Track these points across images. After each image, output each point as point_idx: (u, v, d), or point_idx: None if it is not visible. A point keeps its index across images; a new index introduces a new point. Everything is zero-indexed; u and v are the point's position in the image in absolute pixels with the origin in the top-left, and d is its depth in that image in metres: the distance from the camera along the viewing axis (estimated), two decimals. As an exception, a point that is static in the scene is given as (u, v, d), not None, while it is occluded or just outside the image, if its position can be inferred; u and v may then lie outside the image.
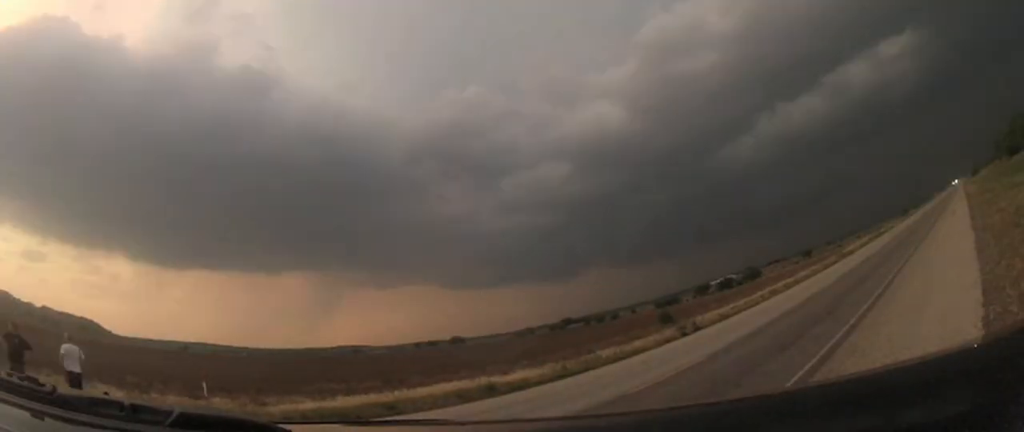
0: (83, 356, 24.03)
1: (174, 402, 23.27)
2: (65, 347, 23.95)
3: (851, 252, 51.58)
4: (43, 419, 3.55)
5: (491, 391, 32.12)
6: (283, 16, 75.50)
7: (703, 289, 59.83)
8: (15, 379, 4.05)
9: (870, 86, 63.61)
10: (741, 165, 67.20)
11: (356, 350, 55.51)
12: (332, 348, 55.04)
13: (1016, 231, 23.74)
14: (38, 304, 45.95)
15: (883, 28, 61.67)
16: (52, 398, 3.56)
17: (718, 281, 58.86)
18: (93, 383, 24.92)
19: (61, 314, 44.94)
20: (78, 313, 47.31)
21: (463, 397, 31.29)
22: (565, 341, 48.86)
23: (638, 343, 40.89)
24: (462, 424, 7.94)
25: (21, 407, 3.27)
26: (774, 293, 46.11)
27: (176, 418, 3.85)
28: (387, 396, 33.02)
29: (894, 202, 58.36)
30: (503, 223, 70.27)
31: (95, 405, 3.79)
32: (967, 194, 47.68)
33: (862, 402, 2.20)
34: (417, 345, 56.22)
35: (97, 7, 60.12)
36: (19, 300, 44.41)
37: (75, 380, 22.82)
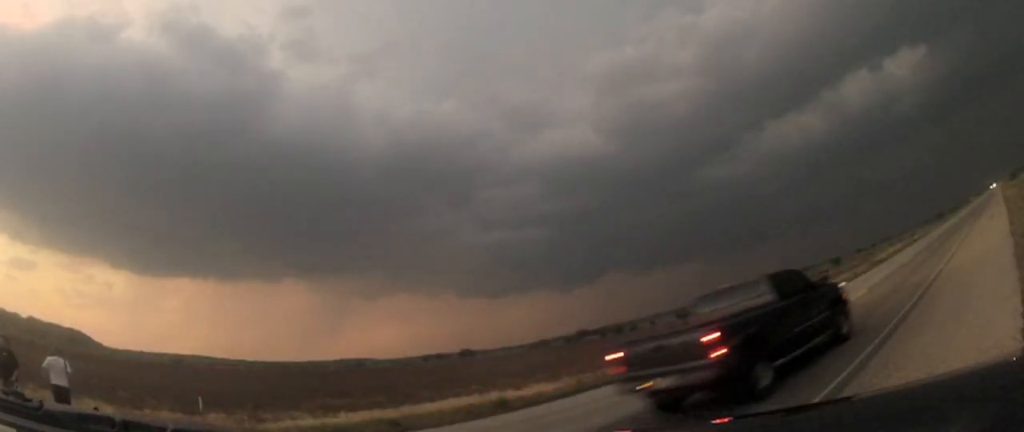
0: (70, 369, 23.80)
1: (168, 418, 23.19)
2: (49, 360, 23.74)
3: (882, 260, 51.42)
4: (30, 436, 3.53)
5: (503, 406, 31.94)
6: (276, 31, 76.09)
7: (726, 299, 59.73)
8: (0, 395, 4.05)
9: (903, 85, 63.76)
10: (762, 171, 67.39)
11: (360, 363, 55.58)
12: (334, 361, 55.15)
13: (1059, 237, 23.54)
14: (24, 315, 45.94)
15: (927, 29, 61.81)
16: (39, 414, 3.54)
17: (742, 290, 58.71)
18: (81, 398, 24.86)
19: (49, 325, 44.87)
20: (68, 324, 47.36)
21: (473, 413, 31.13)
22: (581, 353, 48.71)
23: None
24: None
25: (7, 424, 3.26)
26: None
27: (170, 435, 3.85)
28: (392, 412, 32.90)
29: (928, 206, 58.40)
30: (513, 232, 70.53)
31: (85, 421, 3.78)
32: (1006, 198, 47.34)
33: (895, 418, 2.18)
34: (425, 358, 56.37)
35: (88, 20, 60.65)
36: (3, 310, 44.34)
37: (62, 394, 22.59)
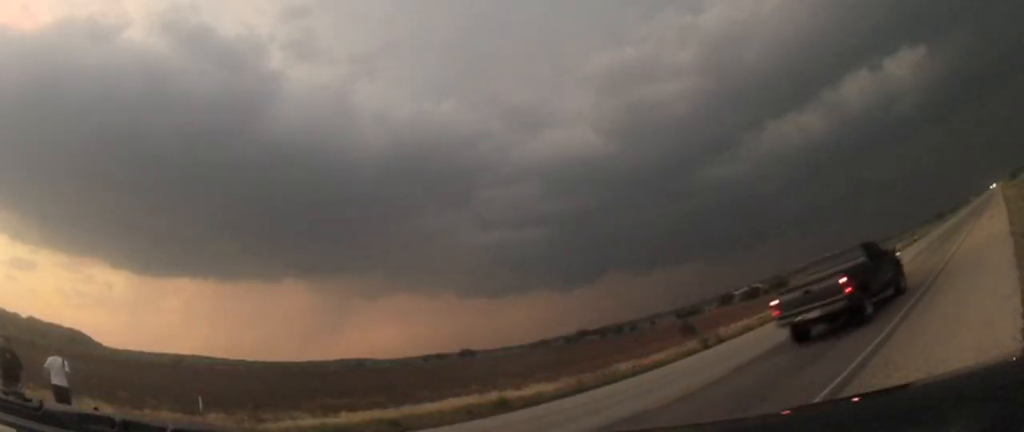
0: (69, 369, 23.74)
1: (168, 418, 23.15)
2: (49, 360, 23.73)
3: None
4: (30, 436, 3.52)
5: (503, 406, 31.97)
6: (275, 31, 76.24)
7: (727, 299, 59.79)
8: (0, 395, 4.05)
9: (903, 85, 63.81)
10: (762, 171, 67.48)
11: (360, 363, 55.49)
12: (334, 361, 55.04)
13: (1059, 237, 23.56)
14: (24, 315, 45.87)
15: (927, 29, 61.91)
16: (39, 414, 3.54)
17: (743, 290, 58.80)
18: (81, 398, 24.85)
19: (49, 325, 44.79)
20: (68, 324, 47.26)
21: (473, 413, 31.16)
22: (581, 354, 48.68)
23: (658, 356, 40.71)
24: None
25: (7, 424, 3.26)
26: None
27: (170, 435, 3.85)
28: (392, 412, 32.90)
29: (928, 206, 58.44)
30: (513, 232, 70.53)
31: (85, 421, 3.77)
32: (1006, 198, 47.39)
33: (895, 418, 2.18)
34: (425, 358, 56.25)
35: (88, 20, 60.73)
36: (3, 310, 44.27)
37: (62, 395, 22.56)
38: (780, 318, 25.24)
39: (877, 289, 24.73)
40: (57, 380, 23.30)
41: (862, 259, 25.54)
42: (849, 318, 23.07)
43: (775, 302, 25.98)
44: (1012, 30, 50.82)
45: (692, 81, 67.41)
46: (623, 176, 65.29)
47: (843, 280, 22.99)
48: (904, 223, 58.02)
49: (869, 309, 23.12)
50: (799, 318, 24.16)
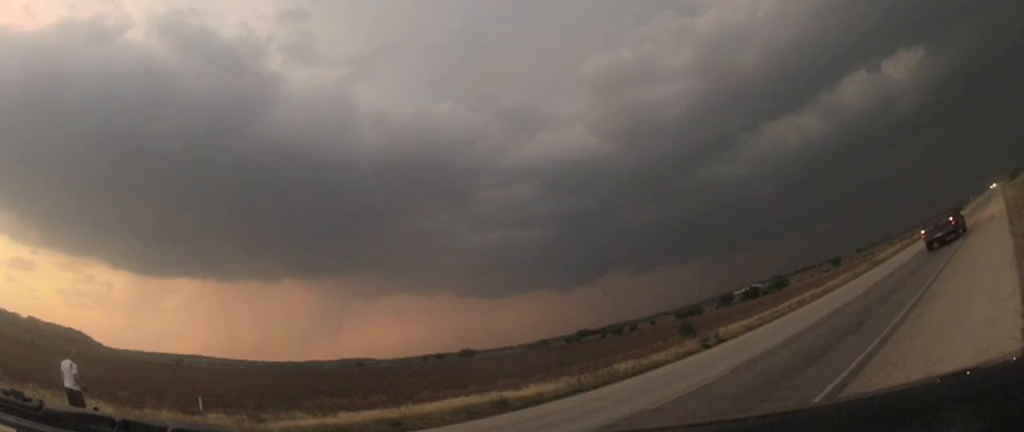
0: (76, 371, 23.65)
1: (168, 418, 23.13)
2: (62, 363, 23.68)
3: (882, 260, 52.28)
4: (29, 436, 3.51)
5: (503, 406, 31.93)
6: (274, 33, 76.14)
7: (727, 299, 59.82)
8: (0, 395, 4.03)
9: (902, 87, 63.87)
10: (762, 171, 67.48)
11: (360, 363, 55.53)
12: (335, 361, 55.08)
13: (1059, 237, 23.60)
14: (24, 315, 45.81)
15: (925, 30, 61.88)
16: (39, 414, 3.53)
17: (743, 290, 58.84)
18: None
19: (49, 325, 44.74)
20: (67, 324, 47.22)
21: (473, 413, 31.12)
22: (581, 353, 48.65)
23: (658, 356, 40.68)
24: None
25: (6, 424, 3.25)
26: (802, 303, 46.16)
27: (170, 435, 3.83)
28: (393, 412, 32.89)
29: (928, 206, 58.73)
30: (512, 233, 70.57)
31: (85, 421, 3.76)
32: (1006, 198, 48.14)
33: (895, 418, 2.17)
34: (425, 358, 56.29)
35: (89, 22, 60.73)
36: (3, 310, 44.19)
37: (75, 398, 22.52)
38: (926, 239, 45.96)
39: (961, 225, 44.57)
40: (68, 383, 23.28)
41: (953, 214, 45.62)
42: (954, 237, 42.51)
43: (923, 231, 47.33)
44: (1011, 31, 51.04)
45: (689, 83, 67.72)
46: (621, 177, 65.56)
47: (952, 219, 44.79)
48: (904, 223, 58.33)
49: (961, 232, 43.18)
50: (934, 237, 44.54)
